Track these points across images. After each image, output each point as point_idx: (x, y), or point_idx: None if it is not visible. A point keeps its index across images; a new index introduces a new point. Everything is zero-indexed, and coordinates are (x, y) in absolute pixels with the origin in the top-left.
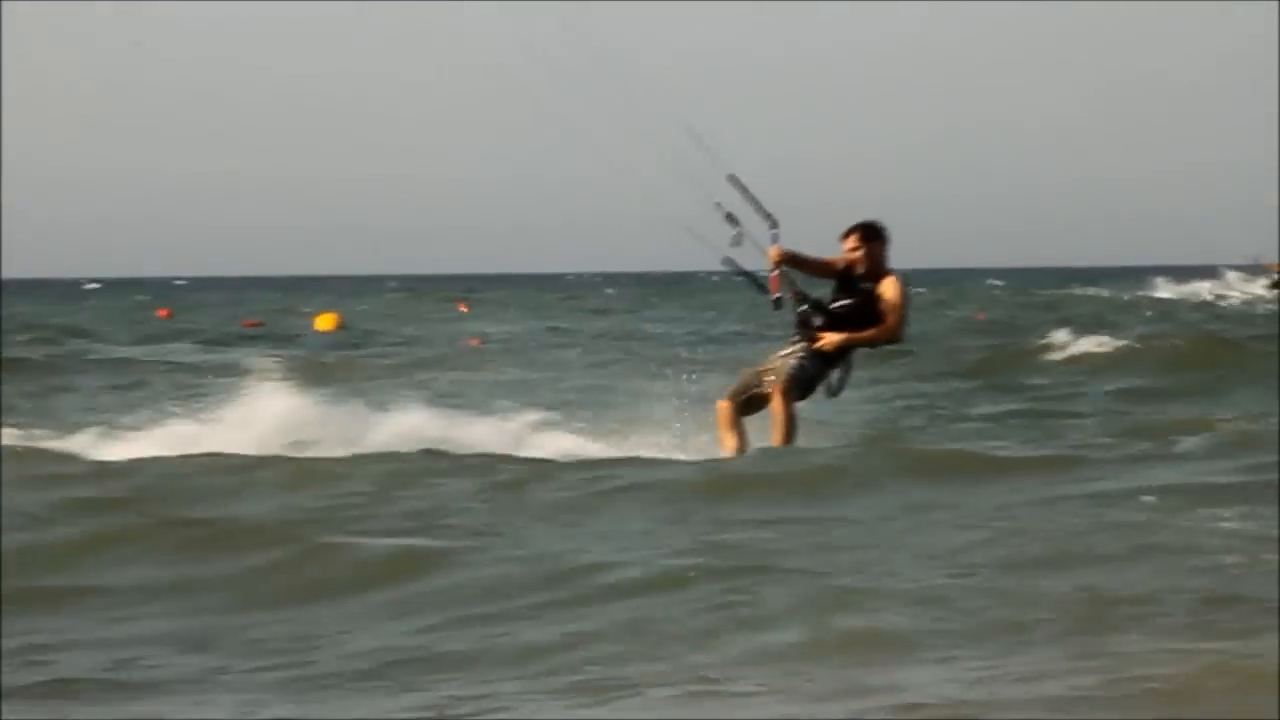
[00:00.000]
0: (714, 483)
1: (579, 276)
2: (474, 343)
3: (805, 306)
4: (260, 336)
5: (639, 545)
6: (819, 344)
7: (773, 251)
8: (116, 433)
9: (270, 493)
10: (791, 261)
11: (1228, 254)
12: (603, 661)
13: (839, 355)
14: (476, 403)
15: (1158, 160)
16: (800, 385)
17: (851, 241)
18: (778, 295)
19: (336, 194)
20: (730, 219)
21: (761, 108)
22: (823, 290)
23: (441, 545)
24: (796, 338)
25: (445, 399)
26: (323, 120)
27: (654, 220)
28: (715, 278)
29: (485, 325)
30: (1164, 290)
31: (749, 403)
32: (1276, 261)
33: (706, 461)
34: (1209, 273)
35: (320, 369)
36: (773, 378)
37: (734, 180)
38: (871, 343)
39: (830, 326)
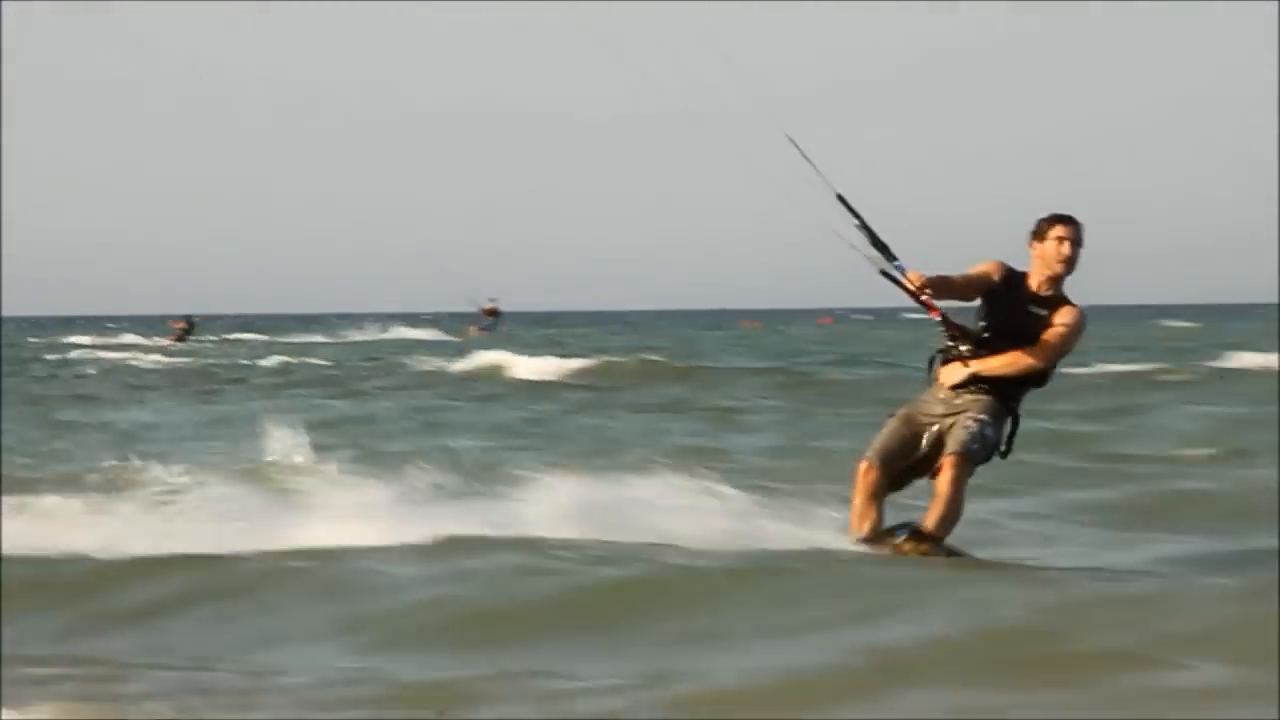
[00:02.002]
0: None
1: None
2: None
3: (960, 344)
4: None
5: None
6: (978, 368)
7: (914, 276)
8: None
9: None
10: (936, 288)
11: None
12: None
13: (1014, 400)
14: None
15: None
16: (984, 458)
17: (1065, 230)
18: (941, 319)
19: None
20: (875, 242)
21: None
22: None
23: None
24: (962, 383)
25: None
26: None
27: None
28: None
29: None
30: None
31: (905, 473)
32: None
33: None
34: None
35: None
36: (933, 436)
37: (843, 201)
38: (1029, 371)
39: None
